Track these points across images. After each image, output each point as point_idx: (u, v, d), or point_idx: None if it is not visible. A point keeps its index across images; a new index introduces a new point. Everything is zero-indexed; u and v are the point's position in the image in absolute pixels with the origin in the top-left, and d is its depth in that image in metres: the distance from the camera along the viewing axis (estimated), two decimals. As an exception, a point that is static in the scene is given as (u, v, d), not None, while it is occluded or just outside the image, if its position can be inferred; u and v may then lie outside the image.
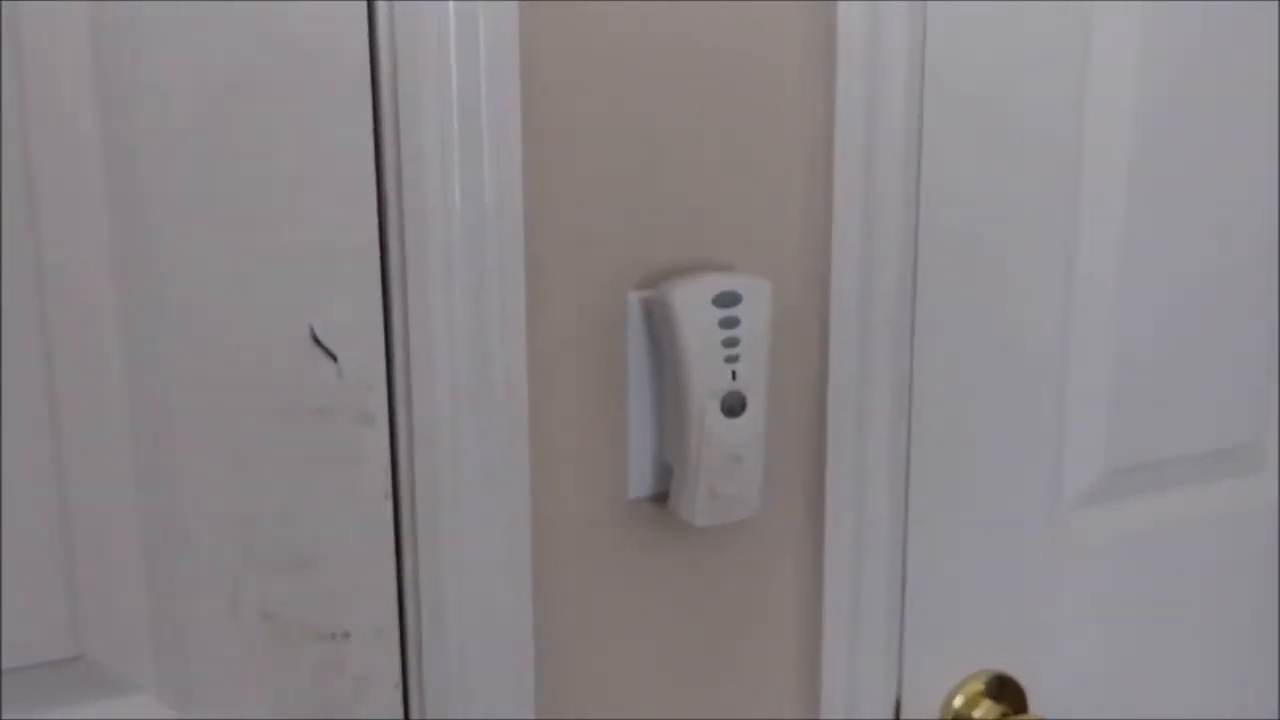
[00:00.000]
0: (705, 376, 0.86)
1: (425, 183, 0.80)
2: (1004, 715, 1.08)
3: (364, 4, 0.78)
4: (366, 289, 0.82)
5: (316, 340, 0.81)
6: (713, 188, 0.91)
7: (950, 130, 0.98)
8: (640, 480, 0.93)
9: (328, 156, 0.78)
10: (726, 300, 0.86)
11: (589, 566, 0.93)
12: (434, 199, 0.81)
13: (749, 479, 0.90)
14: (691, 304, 0.86)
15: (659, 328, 0.88)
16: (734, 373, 0.87)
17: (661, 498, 0.94)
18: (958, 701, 1.08)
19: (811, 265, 0.96)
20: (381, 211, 0.81)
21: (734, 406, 0.87)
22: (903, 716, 1.06)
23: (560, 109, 0.85)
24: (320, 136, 0.78)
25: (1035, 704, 1.10)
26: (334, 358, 0.82)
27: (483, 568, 0.88)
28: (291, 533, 0.82)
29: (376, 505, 0.85)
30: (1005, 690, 1.09)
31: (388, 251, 0.82)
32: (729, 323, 0.87)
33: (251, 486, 0.80)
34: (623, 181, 0.88)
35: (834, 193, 0.95)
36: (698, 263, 0.91)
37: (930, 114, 0.97)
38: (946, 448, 1.04)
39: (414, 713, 0.87)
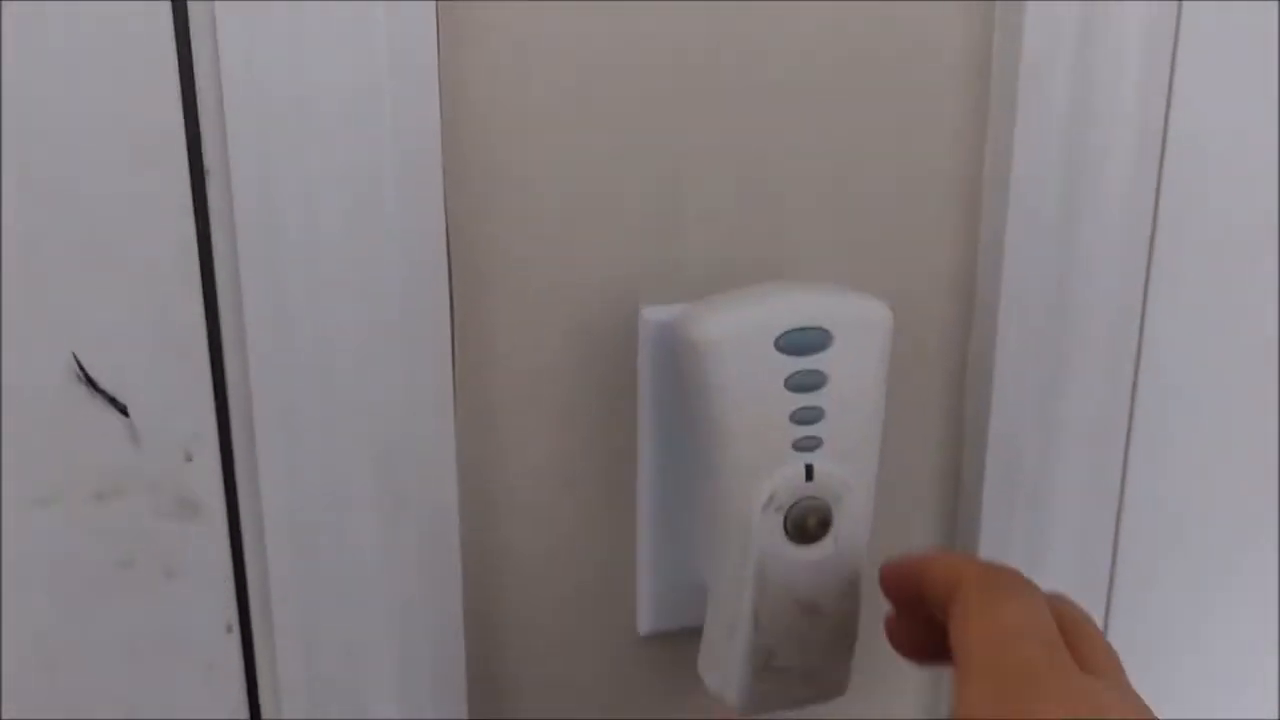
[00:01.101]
0: (759, 473, 0.50)
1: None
2: None
3: None
4: (177, 287, 0.48)
5: (87, 379, 0.48)
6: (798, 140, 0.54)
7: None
8: (658, 607, 0.58)
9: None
10: (802, 343, 0.49)
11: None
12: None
13: (833, 646, 0.52)
14: (737, 348, 0.49)
15: (683, 378, 0.51)
16: (810, 469, 0.50)
17: (690, 636, 0.58)
18: None
19: (960, 278, 0.59)
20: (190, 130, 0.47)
21: (809, 525, 0.50)
22: None
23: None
24: None
25: None
26: (120, 407, 0.49)
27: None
28: None
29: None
30: None
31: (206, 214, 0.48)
32: (806, 382, 0.49)
33: None
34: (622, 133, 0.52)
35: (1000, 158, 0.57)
36: (752, 266, 0.55)
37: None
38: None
39: None
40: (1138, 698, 0.40)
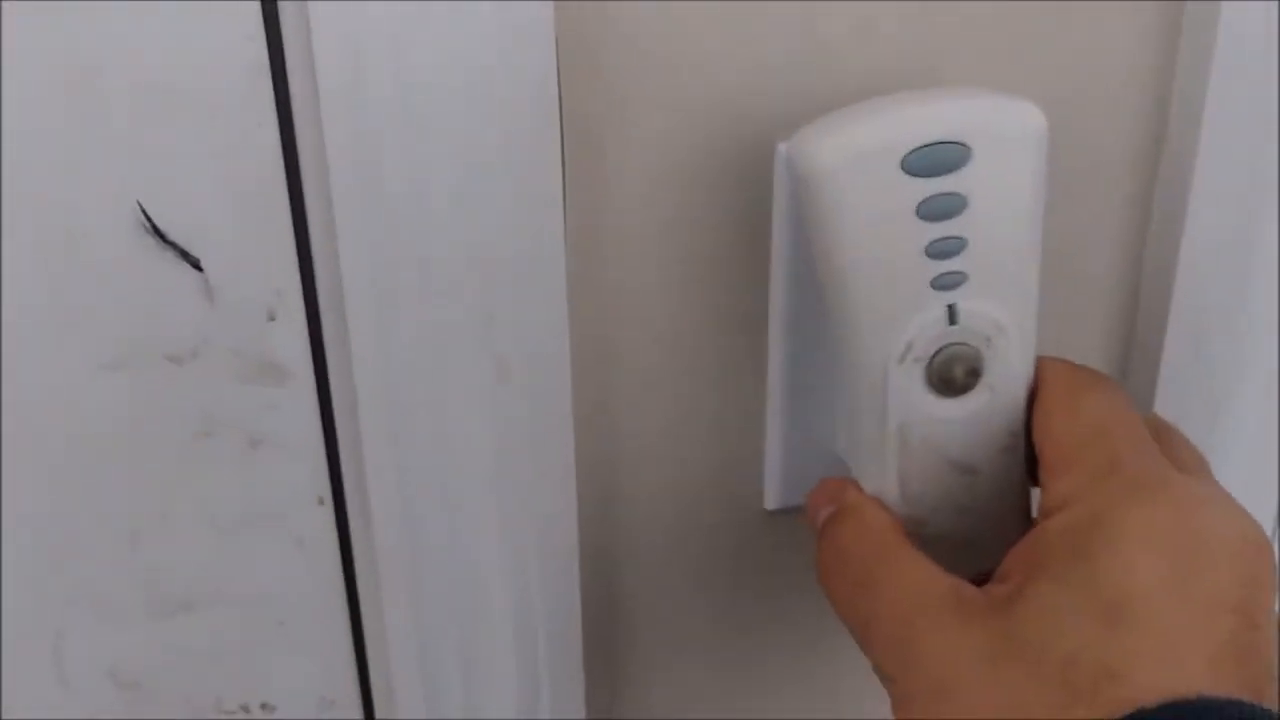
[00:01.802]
0: (893, 319, 0.42)
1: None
2: None
3: None
4: (249, 119, 0.42)
5: (153, 228, 0.42)
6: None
7: None
8: (787, 481, 0.52)
9: None
10: (933, 161, 0.40)
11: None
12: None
13: (994, 509, 0.45)
14: (854, 176, 0.40)
15: (802, 215, 0.43)
16: (953, 310, 0.42)
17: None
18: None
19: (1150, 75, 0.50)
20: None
21: (956, 376, 0.43)
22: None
23: None
24: None
25: None
26: (193, 261, 0.43)
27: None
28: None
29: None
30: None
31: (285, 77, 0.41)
32: (941, 208, 0.40)
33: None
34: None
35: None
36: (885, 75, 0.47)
37: None
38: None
39: None
40: (1229, 496, 0.39)
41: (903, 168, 0.40)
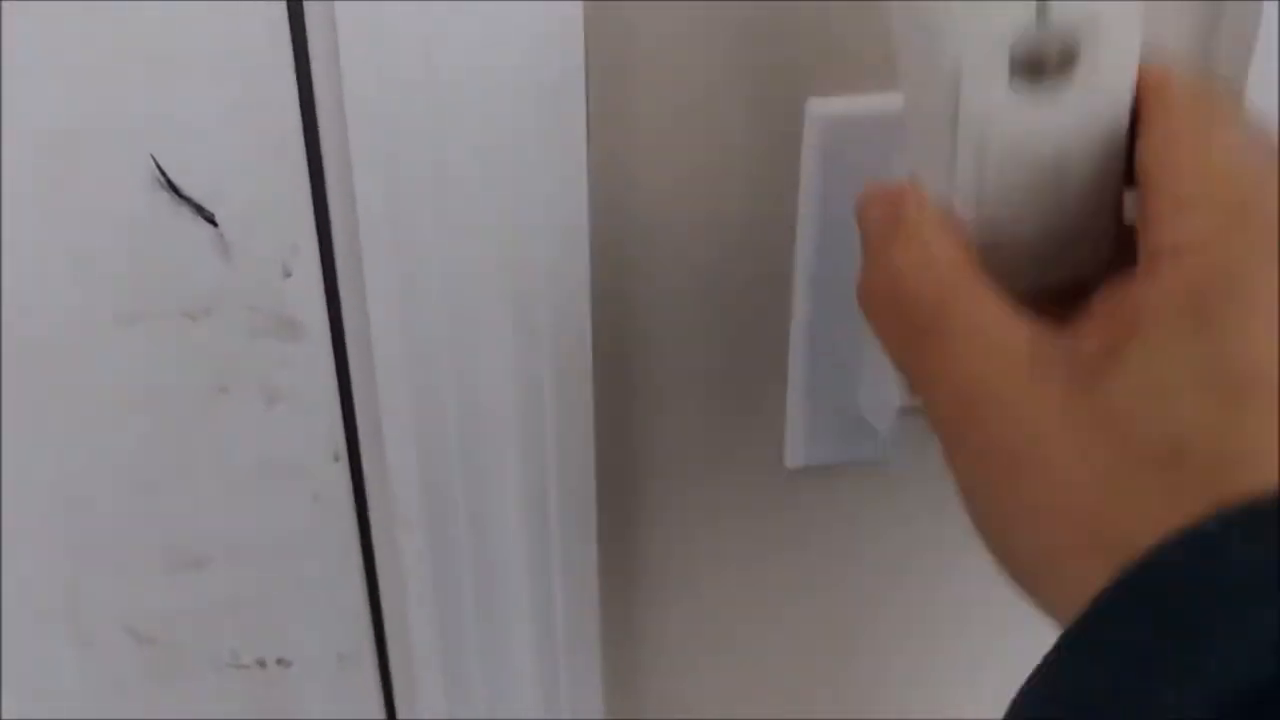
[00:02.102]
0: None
1: None
2: None
3: None
4: (267, 74, 0.41)
5: (169, 184, 0.42)
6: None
7: None
8: (809, 439, 0.52)
9: None
10: None
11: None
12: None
13: (1073, 217, 0.36)
14: None
15: None
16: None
17: (842, 472, 0.52)
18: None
19: None
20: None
21: (1043, 58, 0.34)
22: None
23: None
24: None
25: None
26: (208, 216, 0.43)
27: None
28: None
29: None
30: None
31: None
32: None
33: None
34: None
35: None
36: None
37: None
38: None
39: None
40: None
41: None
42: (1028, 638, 0.30)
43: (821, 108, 0.45)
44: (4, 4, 0.38)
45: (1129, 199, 0.36)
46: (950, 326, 0.32)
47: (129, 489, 0.47)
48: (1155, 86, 0.34)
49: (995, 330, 0.32)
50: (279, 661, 0.51)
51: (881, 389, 0.48)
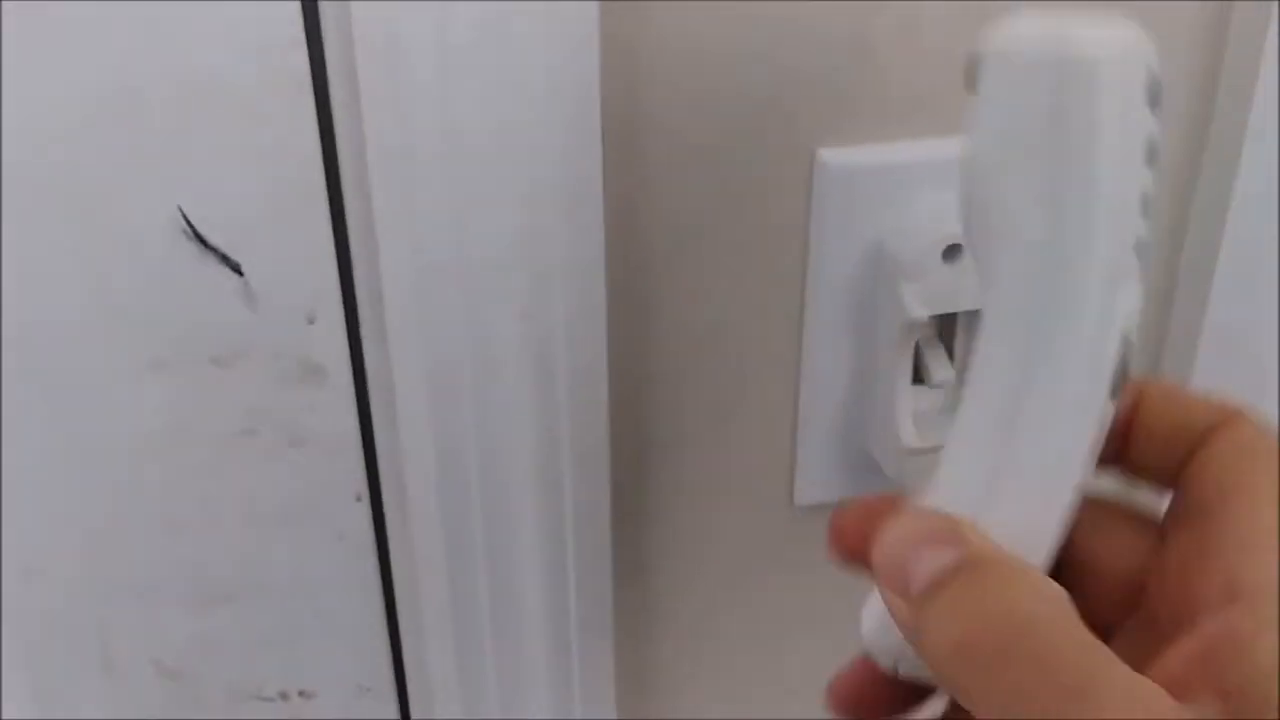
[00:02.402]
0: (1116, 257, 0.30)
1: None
2: None
3: None
4: (290, 125, 0.42)
5: (195, 234, 0.43)
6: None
7: None
8: (817, 478, 0.53)
9: None
10: (1157, 97, 0.30)
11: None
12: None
13: None
14: (1120, 65, 0.29)
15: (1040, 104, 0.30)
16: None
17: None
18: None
19: None
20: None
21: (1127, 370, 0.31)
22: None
23: None
24: None
25: None
26: (234, 265, 0.44)
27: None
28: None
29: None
30: None
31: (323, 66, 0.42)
32: (1154, 152, 0.30)
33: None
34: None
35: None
36: (949, 104, 0.47)
37: None
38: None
39: None
40: None
41: (1146, 91, 0.30)
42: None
43: (832, 157, 0.47)
44: (25, 49, 0.40)
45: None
46: (1102, 686, 0.28)
47: (158, 528, 0.48)
48: (1210, 415, 0.31)
49: (1140, 687, 0.28)
50: (301, 694, 0.52)
51: (889, 429, 0.49)
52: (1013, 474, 0.31)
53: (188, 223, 0.43)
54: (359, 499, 0.49)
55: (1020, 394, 0.30)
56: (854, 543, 0.33)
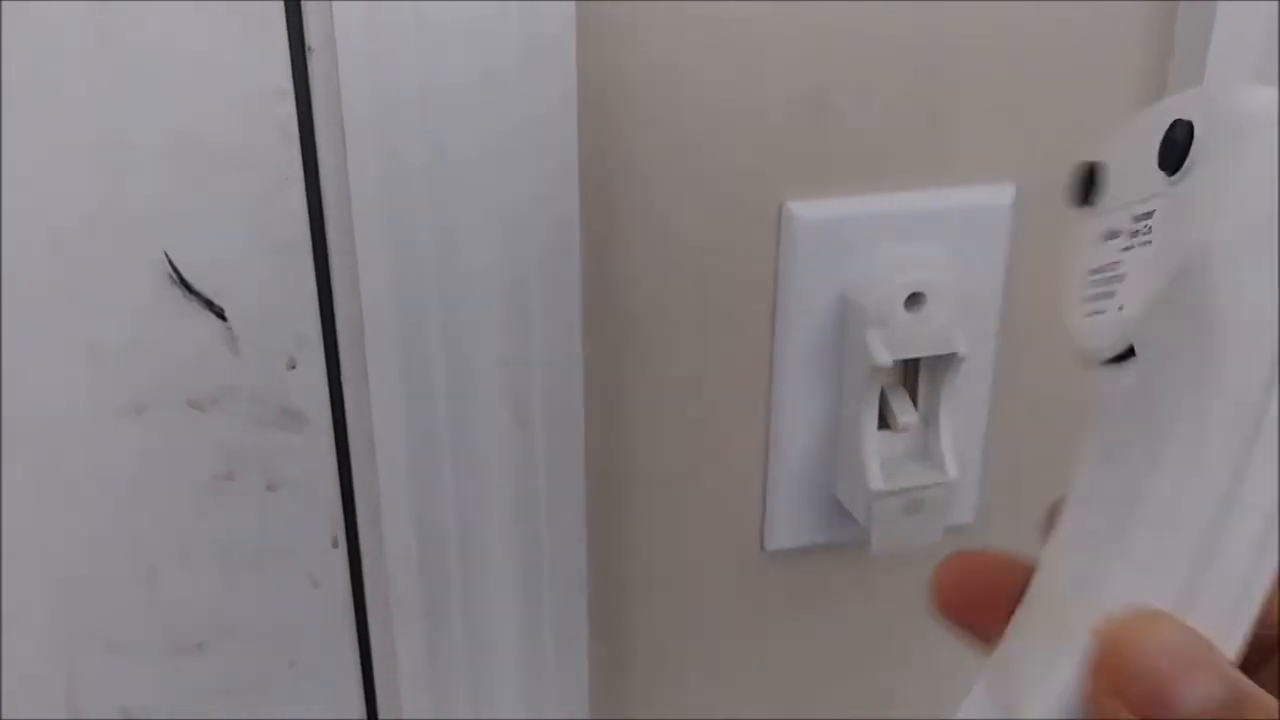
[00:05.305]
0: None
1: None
2: None
3: None
4: (276, 173, 0.43)
5: (180, 280, 0.44)
6: None
7: None
8: (786, 522, 0.54)
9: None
10: None
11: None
12: None
13: None
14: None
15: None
16: None
17: (818, 553, 0.54)
18: None
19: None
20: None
21: None
22: None
23: None
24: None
25: None
26: (217, 311, 0.44)
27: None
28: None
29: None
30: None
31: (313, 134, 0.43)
32: None
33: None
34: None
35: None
36: (909, 158, 0.49)
37: None
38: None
39: None
40: None
41: None
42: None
43: (800, 209, 0.48)
44: (18, 99, 0.40)
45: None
46: None
47: (130, 574, 0.48)
48: None
49: None
50: (272, 742, 0.52)
51: (857, 474, 0.50)
52: (1218, 569, 0.29)
53: (173, 269, 0.44)
54: (335, 544, 0.49)
55: (1235, 483, 0.29)
56: (951, 597, 0.32)
